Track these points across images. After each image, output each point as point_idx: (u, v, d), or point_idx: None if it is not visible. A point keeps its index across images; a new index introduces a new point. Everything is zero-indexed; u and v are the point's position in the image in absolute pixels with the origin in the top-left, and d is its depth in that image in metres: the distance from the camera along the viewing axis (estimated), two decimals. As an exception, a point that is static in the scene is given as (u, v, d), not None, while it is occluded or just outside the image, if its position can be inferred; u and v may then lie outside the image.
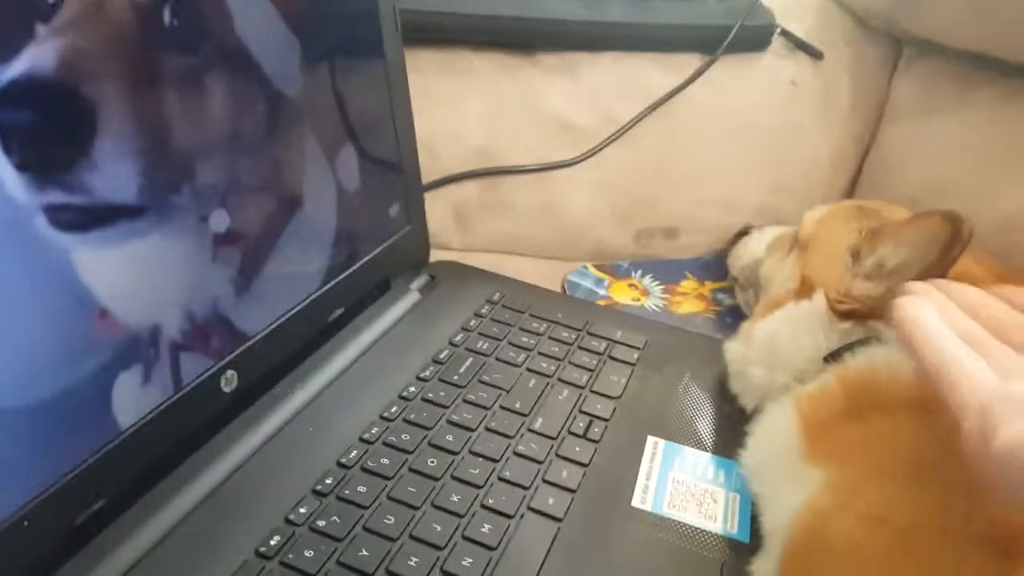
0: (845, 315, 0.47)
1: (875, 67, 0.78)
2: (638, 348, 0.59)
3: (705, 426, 0.52)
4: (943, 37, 0.70)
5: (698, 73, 0.73)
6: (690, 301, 0.70)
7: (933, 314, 0.34)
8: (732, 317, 0.68)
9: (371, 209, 0.58)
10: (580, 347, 0.58)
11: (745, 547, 0.42)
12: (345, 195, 0.54)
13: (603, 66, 0.72)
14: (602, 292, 0.69)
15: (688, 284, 0.72)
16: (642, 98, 0.72)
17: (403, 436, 0.47)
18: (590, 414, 0.51)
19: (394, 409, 0.49)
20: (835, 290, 0.49)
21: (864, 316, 0.47)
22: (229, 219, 0.43)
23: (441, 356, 0.55)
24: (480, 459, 0.46)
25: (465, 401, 0.51)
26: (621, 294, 0.70)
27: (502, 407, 0.50)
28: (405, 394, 0.51)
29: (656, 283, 0.72)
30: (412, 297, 0.62)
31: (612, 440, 0.49)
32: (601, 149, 0.71)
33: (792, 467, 0.41)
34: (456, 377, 0.53)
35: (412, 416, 0.49)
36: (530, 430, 0.49)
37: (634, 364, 0.57)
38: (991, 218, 0.60)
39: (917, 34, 0.74)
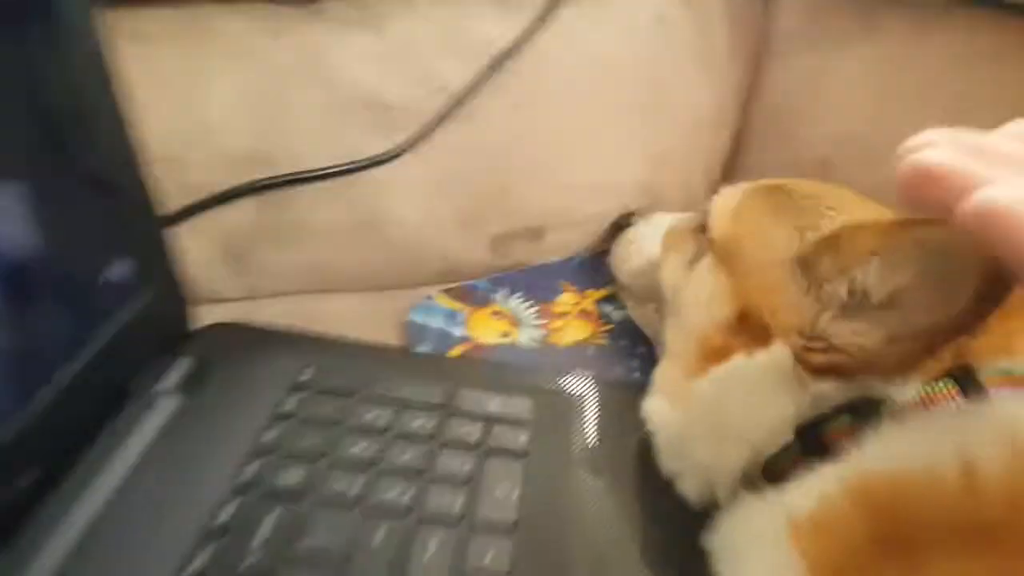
0: (823, 371, 0.33)
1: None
2: (525, 423, 0.42)
3: (648, 544, 0.37)
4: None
5: (542, 16, 0.55)
6: (573, 324, 0.53)
7: None
8: (628, 338, 0.52)
9: (70, 282, 0.36)
10: (444, 444, 0.39)
11: None
12: (23, 270, 0.32)
13: (415, 13, 0.52)
14: (458, 333, 0.51)
15: (566, 298, 0.56)
16: (474, 55, 0.53)
17: None
18: (476, 571, 0.33)
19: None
20: (800, 333, 0.34)
21: (853, 370, 0.32)
22: None
23: (224, 513, 0.34)
24: None
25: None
26: (484, 330, 0.52)
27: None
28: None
29: (527, 304, 0.54)
30: (167, 403, 0.40)
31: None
32: (430, 132, 0.51)
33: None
34: (250, 554, 0.32)
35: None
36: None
37: (525, 455, 0.40)
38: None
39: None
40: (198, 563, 0.31)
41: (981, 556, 0.25)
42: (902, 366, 0.31)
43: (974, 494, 0.25)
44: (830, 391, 0.33)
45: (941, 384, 0.30)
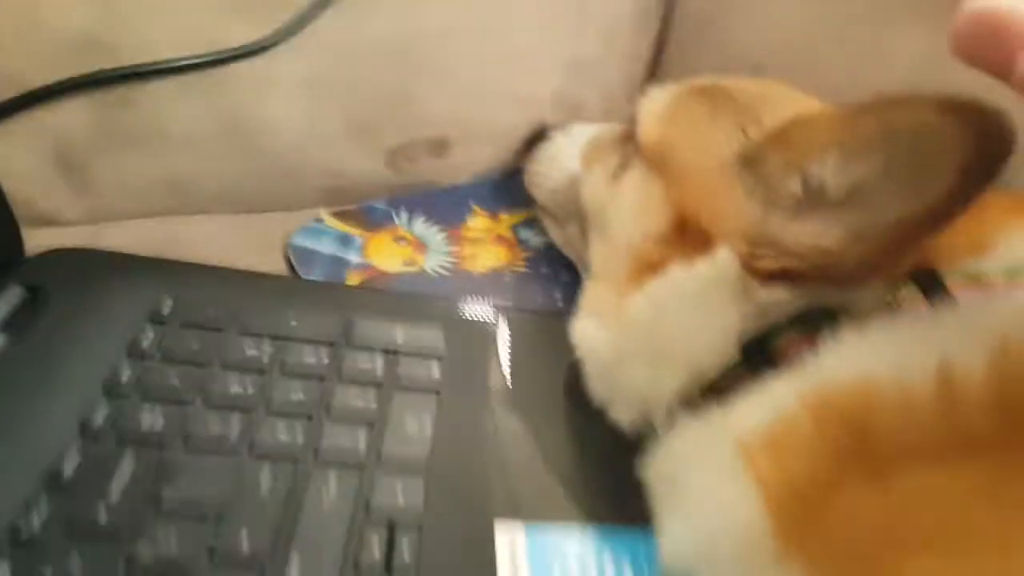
0: (774, 277, 0.31)
1: None
2: (436, 356, 0.37)
3: (576, 477, 0.34)
4: None
5: None
6: (487, 250, 0.49)
7: None
8: (550, 266, 0.49)
9: None
10: (340, 380, 0.35)
11: None
12: None
13: None
14: (355, 260, 0.46)
15: (478, 222, 0.51)
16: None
17: None
18: (386, 512, 0.29)
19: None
20: (746, 237, 0.32)
21: (810, 275, 0.30)
22: None
23: (68, 462, 0.28)
24: None
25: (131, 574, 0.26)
26: (385, 257, 0.46)
27: (212, 554, 0.26)
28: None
29: (434, 227, 0.50)
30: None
31: (437, 556, 0.28)
32: (308, 22, 0.44)
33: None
34: (103, 507, 0.27)
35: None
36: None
37: (437, 390, 0.36)
38: (881, 82, 0.46)
39: None
40: (34, 520, 0.26)
41: (959, 468, 0.23)
42: (867, 270, 0.29)
43: (952, 403, 0.24)
44: (779, 301, 0.31)
45: (903, 289, 0.29)
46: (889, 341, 0.27)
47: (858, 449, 0.25)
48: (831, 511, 0.24)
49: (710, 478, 0.28)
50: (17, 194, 0.36)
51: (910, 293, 0.29)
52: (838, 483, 0.25)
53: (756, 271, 0.31)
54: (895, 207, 0.27)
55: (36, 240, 0.38)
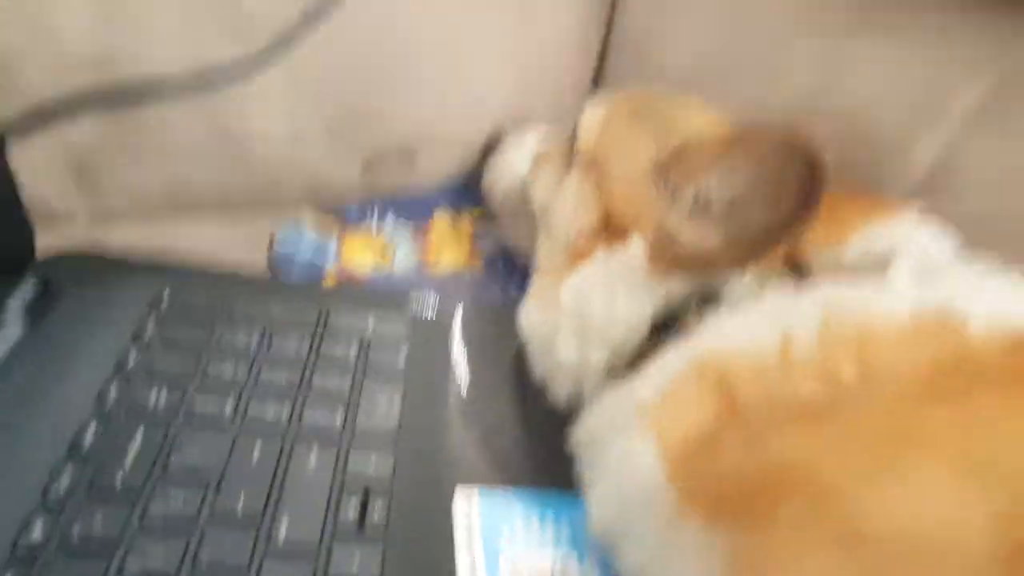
0: (669, 264, 0.37)
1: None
2: (402, 343, 0.42)
3: (525, 448, 0.39)
4: None
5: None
6: (450, 247, 0.54)
7: None
8: (506, 264, 0.54)
9: None
10: (318, 365, 0.40)
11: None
12: None
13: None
14: (329, 265, 0.50)
15: (441, 224, 0.56)
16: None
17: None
18: (360, 480, 0.34)
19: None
20: (653, 233, 0.37)
21: (696, 267, 0.36)
22: None
23: (86, 435, 0.33)
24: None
25: (144, 529, 0.30)
26: (357, 258, 0.51)
27: (213, 514, 0.31)
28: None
29: (401, 228, 0.54)
30: (13, 326, 0.37)
31: (403, 517, 0.33)
32: (291, 40, 0.48)
33: (670, 531, 0.29)
34: (118, 474, 0.32)
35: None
36: (270, 554, 0.30)
37: (404, 374, 0.41)
38: (784, 94, 0.52)
39: None
40: (63, 485, 0.30)
41: (805, 427, 0.27)
42: (738, 264, 0.35)
43: (790, 368, 0.28)
44: (677, 285, 0.36)
45: (776, 275, 0.35)
46: (751, 316, 0.33)
47: (729, 408, 0.29)
48: (715, 464, 0.28)
49: (621, 439, 0.32)
50: (34, 197, 0.40)
51: (779, 280, 0.35)
52: (718, 438, 0.29)
53: (659, 261, 0.36)
54: (759, 220, 0.33)
55: (45, 237, 0.42)
